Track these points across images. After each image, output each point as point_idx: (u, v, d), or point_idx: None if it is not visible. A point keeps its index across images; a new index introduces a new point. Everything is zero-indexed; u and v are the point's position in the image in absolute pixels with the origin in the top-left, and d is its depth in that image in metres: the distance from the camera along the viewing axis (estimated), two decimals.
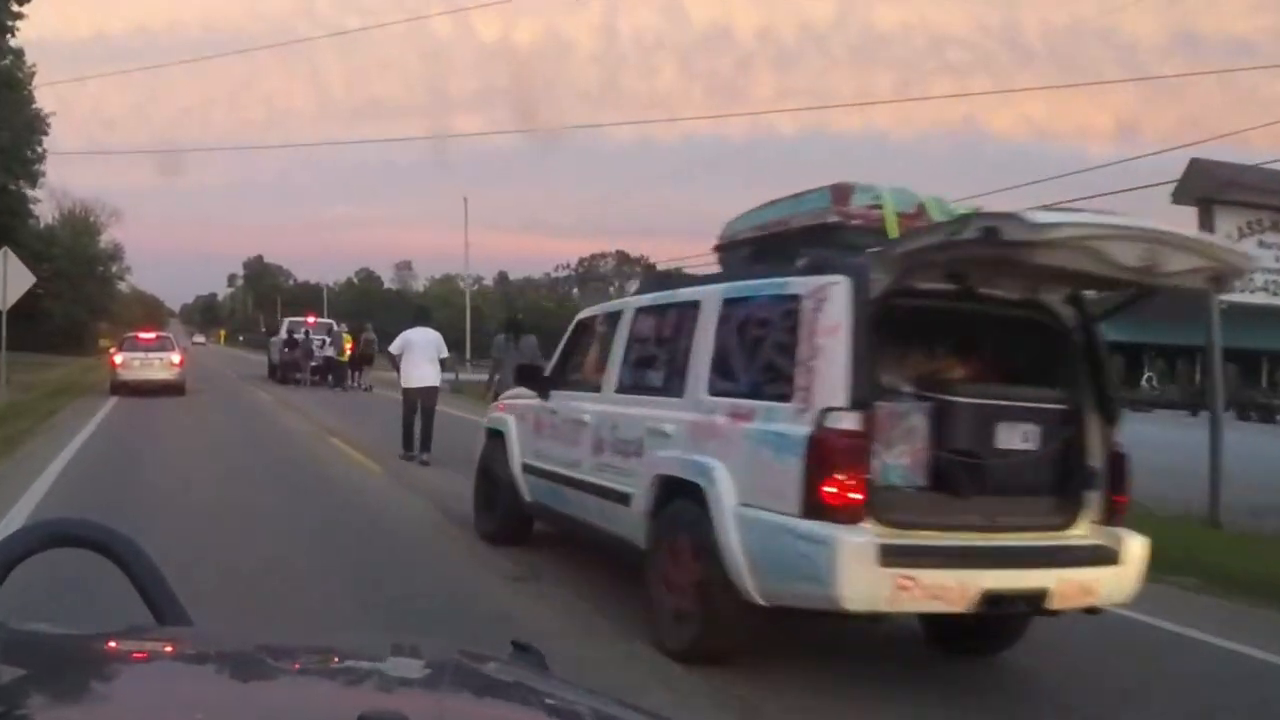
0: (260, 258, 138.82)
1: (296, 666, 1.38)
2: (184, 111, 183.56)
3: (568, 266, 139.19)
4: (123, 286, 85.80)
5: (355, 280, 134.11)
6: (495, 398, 10.67)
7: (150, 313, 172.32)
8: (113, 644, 1.39)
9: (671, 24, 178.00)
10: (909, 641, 5.93)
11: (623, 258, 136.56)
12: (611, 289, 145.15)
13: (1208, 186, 11.41)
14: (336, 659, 1.46)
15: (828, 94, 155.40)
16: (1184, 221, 10.34)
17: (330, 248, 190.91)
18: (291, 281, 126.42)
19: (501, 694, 1.33)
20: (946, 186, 9.28)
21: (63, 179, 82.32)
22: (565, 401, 7.37)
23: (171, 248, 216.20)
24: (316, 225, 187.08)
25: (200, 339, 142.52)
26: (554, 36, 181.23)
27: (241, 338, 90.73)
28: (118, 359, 24.55)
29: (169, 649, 1.38)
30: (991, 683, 5.51)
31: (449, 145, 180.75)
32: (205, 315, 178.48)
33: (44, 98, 41.20)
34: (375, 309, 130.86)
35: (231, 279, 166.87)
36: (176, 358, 25.02)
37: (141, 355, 24.62)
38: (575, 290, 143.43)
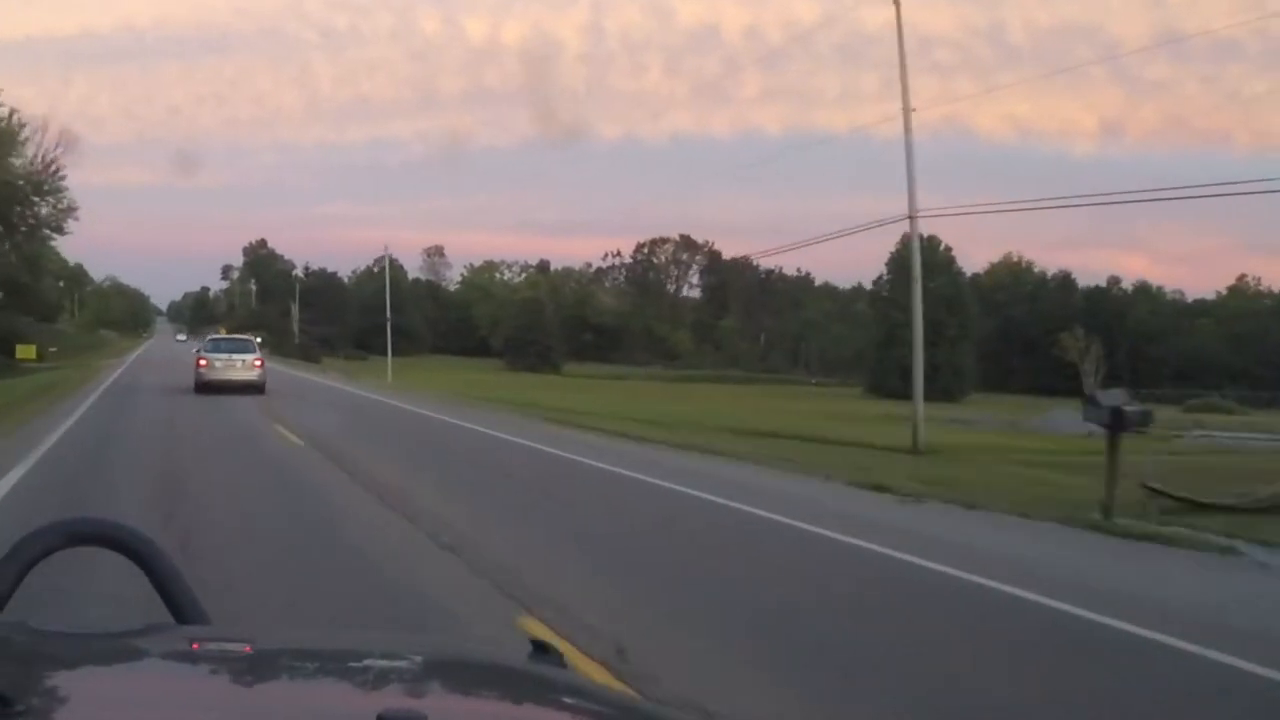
0: (264, 242, 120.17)
1: (315, 666, 1.37)
2: (171, 106, 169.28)
3: (617, 254, 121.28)
4: (75, 262, 61.90)
5: (375, 270, 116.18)
6: None
7: (134, 310, 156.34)
8: (132, 642, 1.38)
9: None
10: None
11: (686, 244, 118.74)
12: (669, 281, 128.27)
13: None
14: (355, 658, 1.44)
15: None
16: None
17: (326, 244, 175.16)
18: (299, 271, 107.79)
19: (520, 694, 1.31)
20: None
21: None
22: None
23: (157, 243, 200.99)
24: (310, 221, 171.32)
25: (182, 337, 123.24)
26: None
27: (259, 339, 73.25)
28: (202, 361, 26.36)
29: (188, 648, 1.38)
30: None
31: (448, 138, 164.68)
32: (196, 313, 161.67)
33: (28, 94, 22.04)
34: (404, 303, 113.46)
35: (226, 271, 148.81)
36: (258, 360, 27.05)
37: (225, 357, 26.55)
38: (621, 280, 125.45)
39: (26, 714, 0.96)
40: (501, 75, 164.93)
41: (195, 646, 1.38)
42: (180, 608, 1.48)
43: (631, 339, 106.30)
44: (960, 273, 69.60)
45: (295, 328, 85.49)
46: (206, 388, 25.23)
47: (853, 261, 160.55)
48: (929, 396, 71.71)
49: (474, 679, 1.35)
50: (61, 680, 1.17)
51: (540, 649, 1.40)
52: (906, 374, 69.81)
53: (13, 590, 1.42)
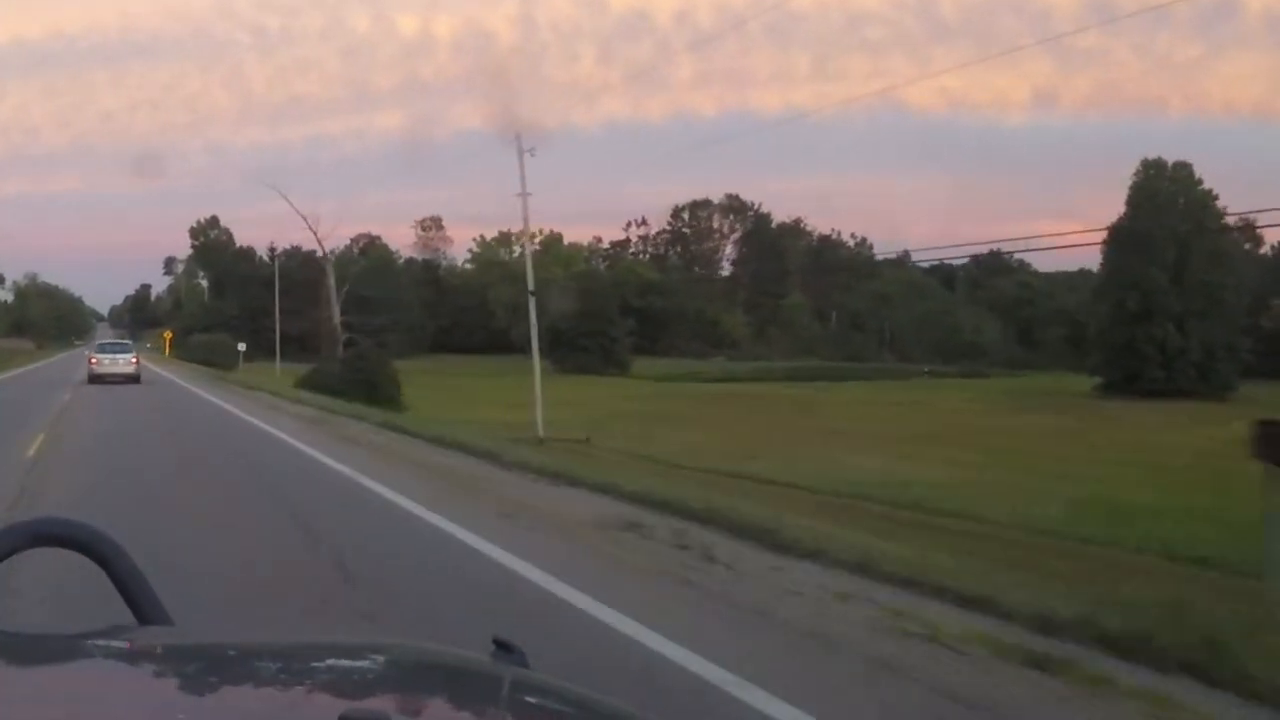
0: (215, 220, 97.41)
1: (277, 667, 1.37)
2: (104, 111, 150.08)
3: (643, 223, 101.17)
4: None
5: (355, 251, 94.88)
6: None
7: (63, 314, 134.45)
8: (94, 644, 1.38)
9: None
10: None
11: (732, 205, 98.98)
12: (710, 253, 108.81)
13: None
14: (318, 659, 1.45)
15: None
16: None
17: (287, 234, 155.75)
18: (264, 255, 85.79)
19: (483, 693, 1.31)
20: None
21: None
22: None
23: (99, 246, 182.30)
24: (263, 218, 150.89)
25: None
26: None
27: (243, 346, 49.43)
28: (93, 359, 35.05)
29: (150, 649, 1.39)
30: None
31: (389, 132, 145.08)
32: (136, 315, 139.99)
33: None
34: (398, 290, 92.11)
35: (170, 264, 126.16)
36: (134, 358, 35.41)
37: (110, 357, 35.09)
38: (641, 253, 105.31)
39: None
40: (478, 61, 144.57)
41: (157, 648, 1.38)
42: (142, 608, 1.48)
43: (682, 324, 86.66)
44: (1224, 216, 49.17)
45: (336, 322, 61.58)
46: (98, 379, 32.77)
47: (898, 226, 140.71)
48: (1195, 392, 50.20)
49: (436, 679, 1.35)
50: (22, 681, 1.19)
51: (503, 647, 1.39)
52: (1171, 360, 49.71)
53: None
